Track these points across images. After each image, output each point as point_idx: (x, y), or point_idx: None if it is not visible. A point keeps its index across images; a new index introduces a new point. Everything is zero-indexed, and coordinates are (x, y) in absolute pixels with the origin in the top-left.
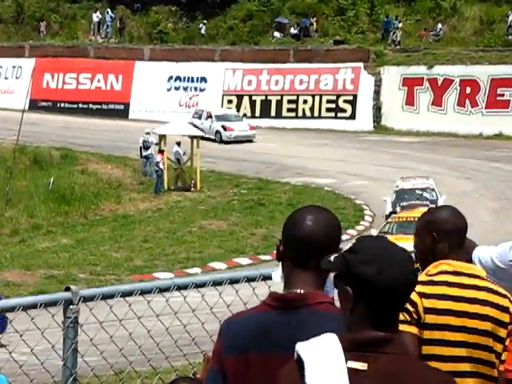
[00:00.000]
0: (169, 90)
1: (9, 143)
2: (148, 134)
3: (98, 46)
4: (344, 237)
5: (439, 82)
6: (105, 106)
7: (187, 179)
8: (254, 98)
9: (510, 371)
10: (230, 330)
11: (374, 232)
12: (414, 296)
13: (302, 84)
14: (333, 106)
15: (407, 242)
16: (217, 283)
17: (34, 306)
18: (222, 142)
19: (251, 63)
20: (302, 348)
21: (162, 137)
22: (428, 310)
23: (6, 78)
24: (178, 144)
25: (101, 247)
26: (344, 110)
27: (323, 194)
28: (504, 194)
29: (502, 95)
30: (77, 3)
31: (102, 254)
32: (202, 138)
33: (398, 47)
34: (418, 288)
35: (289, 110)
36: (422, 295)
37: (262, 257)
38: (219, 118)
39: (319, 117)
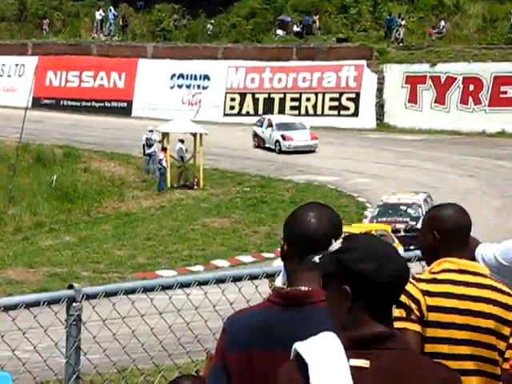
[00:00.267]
0: (172, 87)
1: (12, 141)
2: (151, 131)
3: (100, 43)
4: None
5: (442, 80)
6: (108, 104)
7: (190, 177)
8: (256, 95)
9: None
10: (233, 327)
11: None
12: (417, 294)
13: (304, 82)
14: (336, 103)
15: None
16: (220, 281)
17: (36, 303)
18: (281, 152)
19: (254, 61)
20: (302, 348)
21: (165, 134)
22: (431, 308)
23: (8, 76)
24: (182, 142)
25: (104, 245)
26: (347, 108)
27: (326, 192)
28: (507, 192)
29: (505, 93)
30: (80, 1)
31: (105, 252)
32: (263, 148)
33: (401, 45)
34: (422, 286)
35: (292, 107)
36: (425, 293)
37: (265, 254)
38: (280, 126)
39: (322, 114)
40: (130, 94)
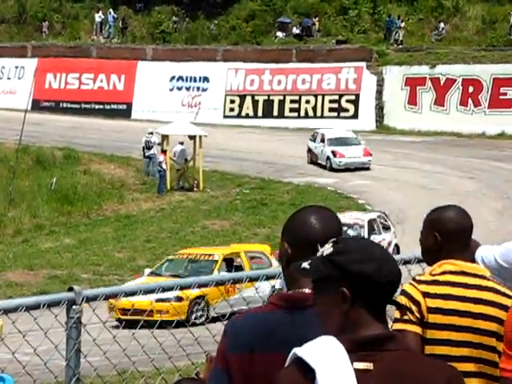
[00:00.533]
0: (171, 89)
1: (11, 143)
2: (151, 133)
3: (100, 46)
4: None
5: (441, 82)
6: (107, 106)
7: (190, 179)
8: (256, 97)
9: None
10: (235, 328)
11: (147, 271)
12: (417, 295)
13: (304, 84)
14: (335, 105)
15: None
16: (219, 283)
17: (36, 306)
18: (332, 169)
19: (253, 63)
20: (305, 353)
21: (165, 137)
22: (431, 310)
23: (8, 79)
24: (182, 144)
25: (104, 247)
26: (346, 110)
27: (326, 194)
28: (507, 193)
29: (505, 94)
30: (79, 3)
31: (105, 254)
32: (316, 164)
33: (401, 47)
34: (422, 287)
35: (291, 109)
36: (426, 295)
37: None
38: (332, 141)
39: (322, 116)
40: (129, 96)
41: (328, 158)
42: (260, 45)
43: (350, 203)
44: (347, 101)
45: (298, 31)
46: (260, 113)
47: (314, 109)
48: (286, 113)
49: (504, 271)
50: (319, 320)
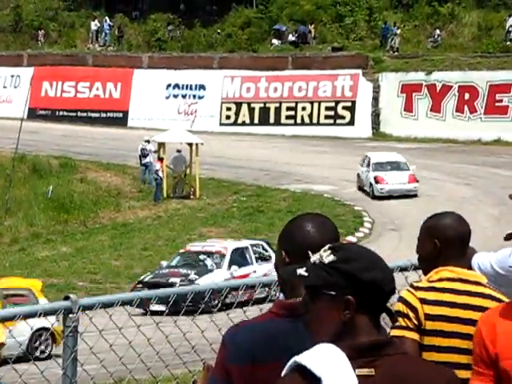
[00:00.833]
0: (167, 97)
1: (8, 152)
2: (148, 141)
3: (96, 54)
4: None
5: (438, 89)
6: (103, 114)
7: (186, 187)
8: (252, 105)
9: None
10: (235, 338)
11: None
12: (414, 302)
13: (300, 91)
14: (331, 112)
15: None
16: (217, 291)
17: (33, 314)
18: (374, 197)
19: (250, 70)
20: (309, 361)
21: (161, 144)
22: (429, 317)
23: (4, 87)
24: (179, 152)
25: (100, 255)
26: (343, 117)
27: (322, 201)
28: (503, 200)
29: (501, 101)
30: (75, 12)
31: (102, 263)
32: (363, 190)
33: (397, 53)
34: (419, 294)
35: (287, 117)
36: (423, 301)
37: None
38: (376, 166)
39: (318, 124)
40: (125, 104)
41: (371, 184)
42: (256, 52)
43: (347, 210)
44: (343, 108)
45: (293, 38)
46: (256, 120)
47: (311, 116)
48: (283, 120)
49: (500, 278)
50: (308, 327)
